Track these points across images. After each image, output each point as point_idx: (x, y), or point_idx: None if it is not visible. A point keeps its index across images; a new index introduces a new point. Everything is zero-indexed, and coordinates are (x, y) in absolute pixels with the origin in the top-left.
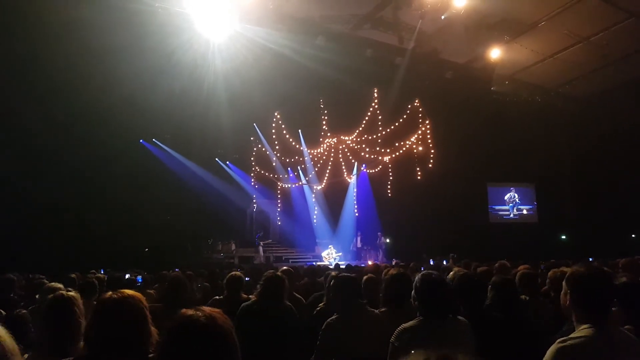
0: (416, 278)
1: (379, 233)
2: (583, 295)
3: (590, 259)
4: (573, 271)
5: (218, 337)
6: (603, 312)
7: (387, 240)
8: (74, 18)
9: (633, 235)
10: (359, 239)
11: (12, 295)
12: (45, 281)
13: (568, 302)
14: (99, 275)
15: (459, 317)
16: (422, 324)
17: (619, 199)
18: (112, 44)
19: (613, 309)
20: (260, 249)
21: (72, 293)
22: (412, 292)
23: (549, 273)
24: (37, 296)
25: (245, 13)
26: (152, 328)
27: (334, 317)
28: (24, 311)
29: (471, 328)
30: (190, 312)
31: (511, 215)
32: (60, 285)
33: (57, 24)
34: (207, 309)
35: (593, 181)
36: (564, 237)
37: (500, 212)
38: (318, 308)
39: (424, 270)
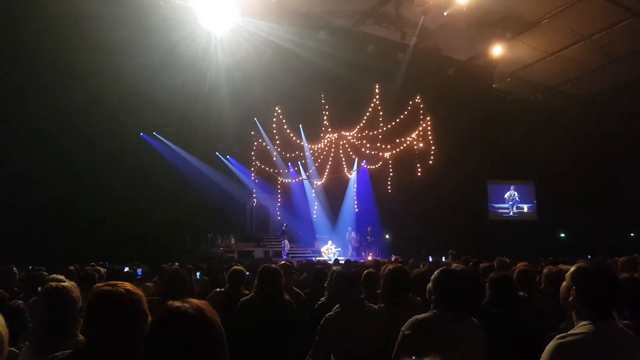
0: (435, 272)
1: (349, 228)
2: (589, 292)
3: (589, 257)
4: (579, 267)
5: (205, 328)
6: (607, 309)
7: (387, 236)
8: (77, 12)
9: (632, 234)
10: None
11: (13, 288)
12: (45, 273)
13: (572, 298)
14: (98, 267)
15: (472, 317)
16: (437, 317)
17: (619, 197)
18: (115, 38)
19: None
20: (286, 242)
21: (66, 283)
22: (429, 285)
23: (544, 270)
24: (39, 289)
25: (247, 6)
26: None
27: (332, 312)
28: (20, 302)
29: (481, 327)
30: (177, 303)
31: (511, 213)
32: (62, 277)
33: (60, 18)
34: (195, 300)
35: (593, 180)
36: (563, 235)
37: (500, 210)
38: (320, 302)
39: (422, 266)
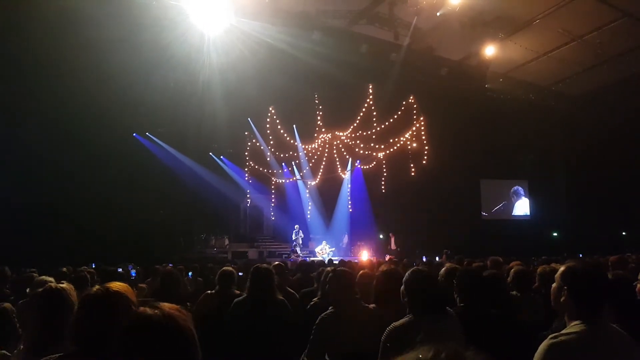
0: (405, 274)
1: (296, 225)
2: (579, 291)
3: (580, 255)
4: (569, 267)
5: (174, 335)
6: (597, 308)
7: (380, 236)
8: (68, 10)
9: (624, 233)
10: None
11: (5, 289)
12: (35, 275)
13: (563, 298)
14: (91, 269)
15: (448, 311)
16: (413, 321)
17: (611, 196)
18: (107, 37)
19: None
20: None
21: (63, 285)
22: (402, 288)
23: (538, 269)
24: (27, 290)
25: (240, 6)
26: None
27: (328, 311)
28: (7, 304)
29: (459, 321)
30: (147, 309)
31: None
32: (51, 279)
33: (50, 17)
34: (167, 306)
35: (585, 179)
36: (555, 234)
37: (493, 209)
38: (312, 302)
39: (416, 266)
